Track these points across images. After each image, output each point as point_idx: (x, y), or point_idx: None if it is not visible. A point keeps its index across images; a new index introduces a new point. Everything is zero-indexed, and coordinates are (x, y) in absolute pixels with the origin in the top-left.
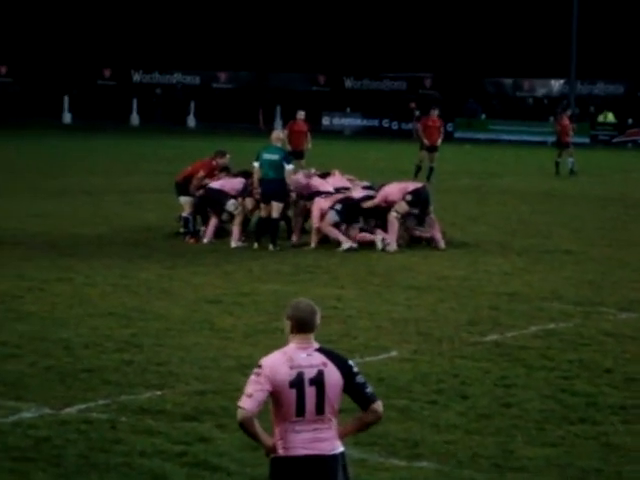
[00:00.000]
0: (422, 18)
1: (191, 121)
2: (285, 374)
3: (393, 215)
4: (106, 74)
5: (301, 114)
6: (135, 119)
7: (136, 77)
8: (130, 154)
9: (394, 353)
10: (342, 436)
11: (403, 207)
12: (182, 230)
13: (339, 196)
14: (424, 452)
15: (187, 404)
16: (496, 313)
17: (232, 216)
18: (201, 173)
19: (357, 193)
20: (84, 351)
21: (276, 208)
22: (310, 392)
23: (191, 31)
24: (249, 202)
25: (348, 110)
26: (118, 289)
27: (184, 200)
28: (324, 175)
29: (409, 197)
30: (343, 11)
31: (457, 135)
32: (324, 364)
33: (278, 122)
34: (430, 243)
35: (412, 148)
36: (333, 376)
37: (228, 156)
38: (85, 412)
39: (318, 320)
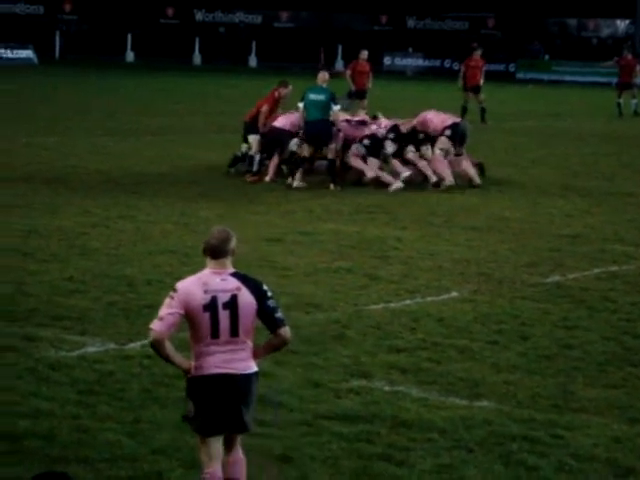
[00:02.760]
0: None
1: (252, 60)
2: (199, 298)
3: (438, 153)
4: (169, 13)
5: (364, 54)
6: (197, 58)
7: (199, 16)
8: (192, 93)
9: (455, 293)
10: (254, 358)
11: (445, 143)
12: (243, 167)
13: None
14: (484, 392)
15: None
16: (558, 255)
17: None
18: (265, 107)
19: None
20: (146, 287)
21: (330, 149)
22: (224, 315)
23: None
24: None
25: (410, 50)
26: (179, 227)
27: (253, 138)
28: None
29: (448, 132)
30: None
31: (519, 76)
32: (238, 288)
33: (339, 62)
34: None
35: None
36: (246, 300)
37: (290, 87)
38: (148, 347)
39: (232, 246)
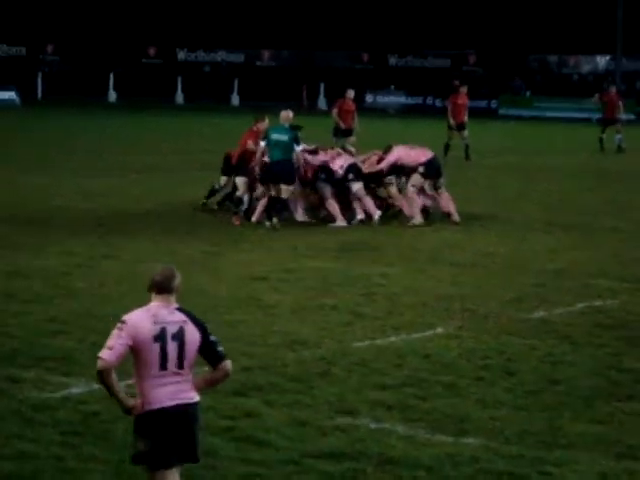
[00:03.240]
0: None
1: (235, 99)
2: (149, 329)
3: (411, 190)
4: (151, 52)
5: (350, 93)
6: (180, 97)
7: (181, 55)
8: (175, 132)
9: (440, 330)
10: (195, 390)
11: (418, 180)
12: (232, 207)
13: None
14: (471, 428)
15: (234, 380)
16: (542, 290)
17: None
18: (250, 144)
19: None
20: None
21: (285, 190)
22: (172, 346)
23: (235, 9)
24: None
25: (392, 88)
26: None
27: (240, 180)
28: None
29: (422, 169)
30: None
31: (501, 112)
32: (184, 321)
33: (322, 100)
34: (446, 216)
35: None
36: (192, 333)
37: (267, 120)
38: (133, 387)
39: (176, 283)
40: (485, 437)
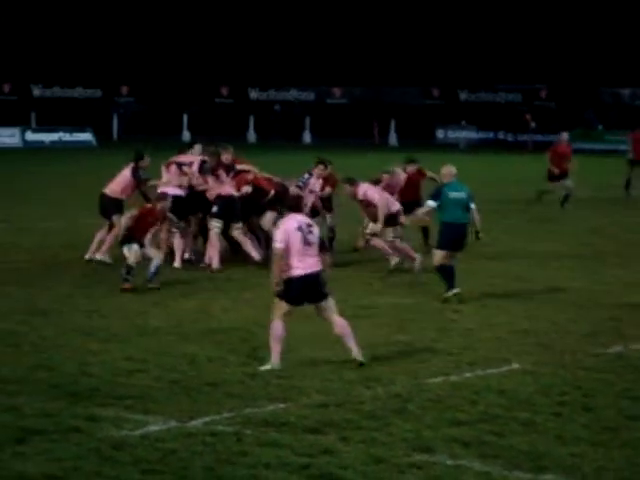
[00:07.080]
0: (538, 28)
1: (307, 136)
2: None
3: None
4: (223, 92)
5: (564, 135)
6: (252, 136)
7: (253, 94)
8: None
9: (515, 365)
10: None
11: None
12: None
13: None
14: (549, 465)
15: (310, 417)
16: (618, 324)
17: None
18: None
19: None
20: (208, 365)
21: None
22: None
23: (306, 47)
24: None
25: (463, 123)
26: (239, 303)
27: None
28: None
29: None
30: (457, 23)
31: (574, 146)
32: None
33: (393, 136)
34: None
35: (527, 160)
36: None
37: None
38: (210, 425)
39: None
40: (563, 474)
